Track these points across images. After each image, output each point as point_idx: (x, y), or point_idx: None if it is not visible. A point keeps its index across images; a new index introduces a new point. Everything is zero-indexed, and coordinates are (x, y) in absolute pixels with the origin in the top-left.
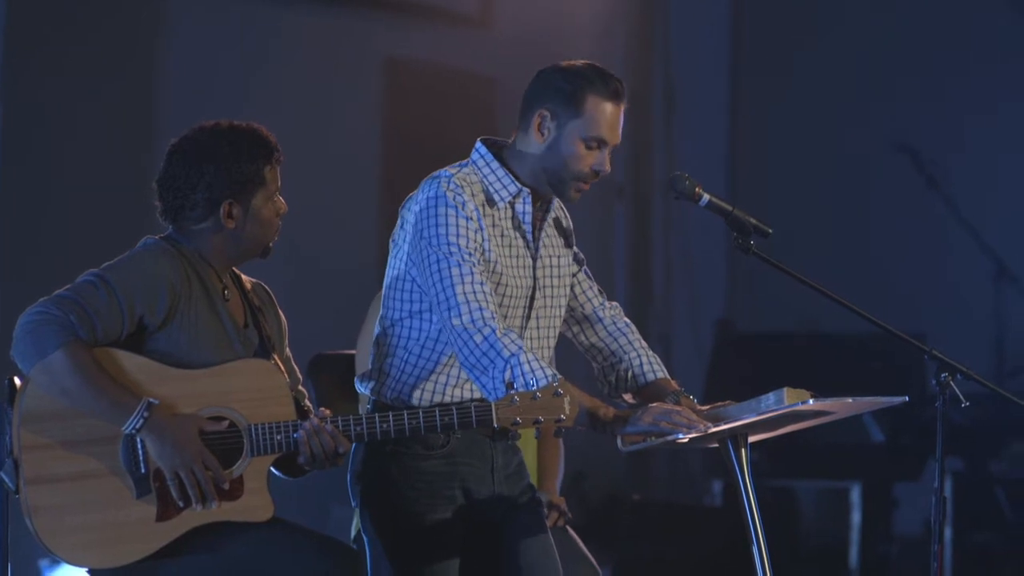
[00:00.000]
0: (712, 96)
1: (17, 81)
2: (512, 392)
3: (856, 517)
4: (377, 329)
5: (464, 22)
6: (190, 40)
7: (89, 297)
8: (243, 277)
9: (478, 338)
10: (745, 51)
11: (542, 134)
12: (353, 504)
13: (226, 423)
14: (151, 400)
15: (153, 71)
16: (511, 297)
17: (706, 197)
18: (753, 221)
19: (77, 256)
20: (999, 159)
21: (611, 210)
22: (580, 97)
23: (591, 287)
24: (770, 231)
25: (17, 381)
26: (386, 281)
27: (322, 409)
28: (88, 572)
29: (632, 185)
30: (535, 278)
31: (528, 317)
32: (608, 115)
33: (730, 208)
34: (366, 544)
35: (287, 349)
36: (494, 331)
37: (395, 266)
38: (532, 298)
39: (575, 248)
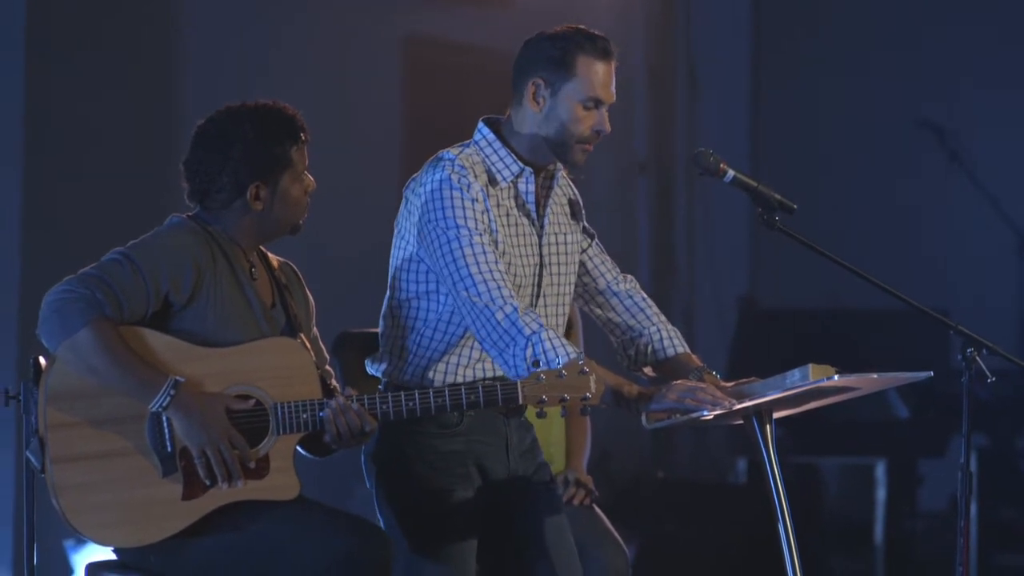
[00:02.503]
0: (734, 71)
1: (40, 65)
2: (537, 370)
3: (881, 493)
4: (385, 309)
5: (484, 0)
6: (209, 20)
7: (115, 275)
8: (270, 256)
9: (499, 315)
10: (766, 26)
11: (538, 103)
12: (368, 484)
13: (252, 401)
14: (178, 378)
15: (172, 53)
16: (519, 276)
17: (731, 173)
18: (778, 197)
19: (102, 236)
20: (1021, 132)
21: (634, 186)
22: (571, 60)
23: (604, 261)
24: (795, 207)
25: (43, 361)
26: (394, 263)
27: (348, 388)
28: (114, 551)
29: (655, 161)
30: (541, 255)
31: (537, 296)
32: (600, 74)
33: (755, 184)
34: (382, 524)
35: (314, 329)
36: (516, 309)
37: (402, 247)
38: (540, 275)
39: (584, 223)
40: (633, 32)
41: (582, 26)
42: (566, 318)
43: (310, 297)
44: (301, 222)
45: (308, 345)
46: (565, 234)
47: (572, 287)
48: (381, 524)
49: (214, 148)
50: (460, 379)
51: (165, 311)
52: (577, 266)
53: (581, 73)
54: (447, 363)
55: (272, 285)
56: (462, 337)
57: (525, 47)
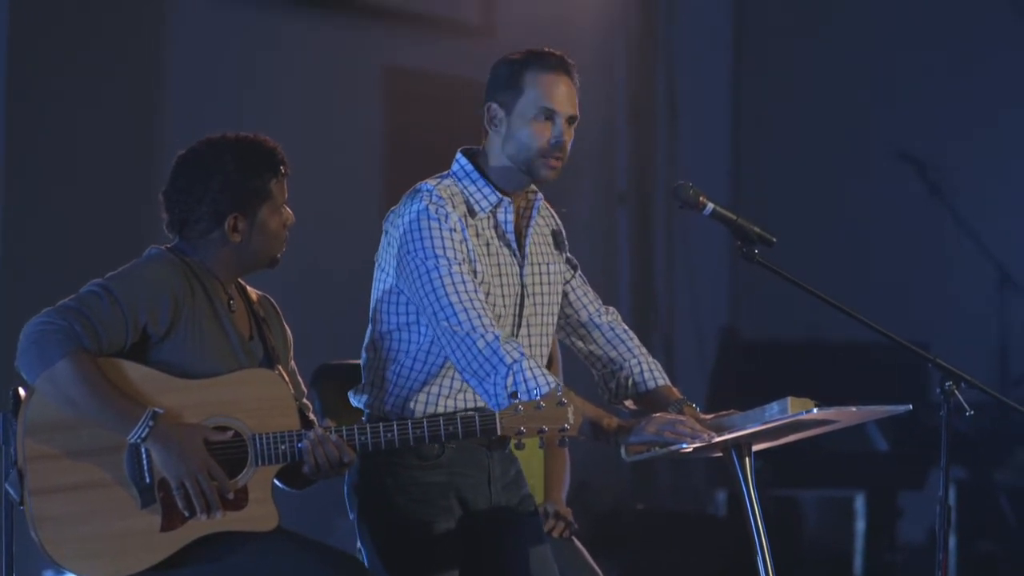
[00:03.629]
0: (714, 103)
1: (20, 90)
2: (516, 401)
3: (860, 526)
4: (367, 341)
5: (465, 30)
6: (191, 49)
7: (93, 307)
8: (249, 289)
9: (481, 343)
10: (747, 58)
11: (496, 127)
12: (351, 515)
13: (231, 433)
14: (156, 410)
15: (154, 81)
16: (500, 306)
17: (710, 206)
18: (757, 230)
19: (81, 266)
20: (1002, 166)
21: (614, 217)
22: (518, 78)
23: (586, 293)
24: (774, 240)
25: (22, 392)
26: (375, 295)
27: (326, 419)
28: None
29: (635, 192)
30: (523, 285)
31: (518, 325)
32: (548, 84)
33: (734, 217)
34: (363, 556)
35: (292, 362)
36: (497, 337)
37: (383, 279)
38: (521, 305)
39: (567, 253)
40: (614, 64)
41: (535, 48)
42: (549, 348)
43: (288, 330)
44: (279, 255)
45: (286, 377)
46: (548, 264)
47: (555, 317)
48: (363, 556)
49: (194, 178)
50: (441, 409)
51: (143, 343)
52: (560, 296)
53: (529, 88)
54: (428, 393)
55: (250, 317)
56: (443, 367)
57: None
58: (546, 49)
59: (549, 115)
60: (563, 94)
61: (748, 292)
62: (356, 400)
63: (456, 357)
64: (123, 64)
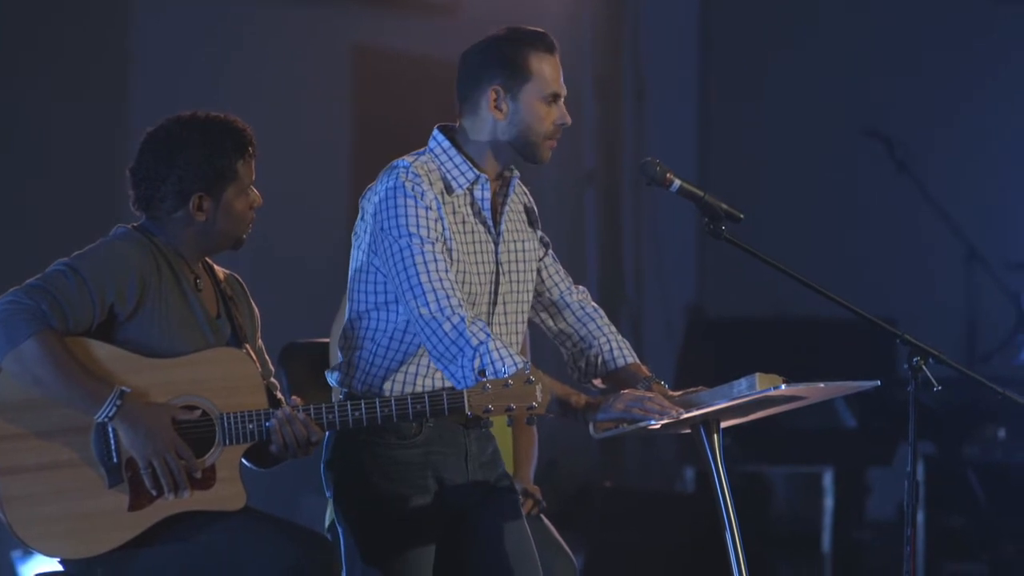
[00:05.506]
0: (681, 82)
1: None
2: (484, 379)
3: (829, 502)
4: (345, 320)
5: (433, 9)
6: (160, 29)
7: (60, 286)
8: (216, 268)
9: (447, 326)
10: (714, 36)
11: (500, 110)
12: (327, 493)
13: (198, 412)
14: (124, 389)
15: (124, 60)
16: (474, 284)
17: (677, 183)
18: (724, 207)
19: (48, 246)
20: (971, 144)
21: (582, 196)
22: (523, 62)
23: (558, 271)
24: (741, 216)
25: None
26: (350, 273)
27: (294, 398)
28: (60, 562)
29: (602, 171)
30: (498, 263)
31: (494, 303)
32: (553, 68)
33: (701, 194)
34: (340, 533)
35: (259, 341)
36: (463, 319)
37: (357, 257)
38: (497, 283)
39: (540, 232)
40: (581, 42)
41: (520, 26)
42: (526, 325)
43: (255, 309)
44: (244, 236)
45: (254, 356)
46: (523, 241)
47: (531, 295)
48: (340, 533)
49: (160, 156)
50: (419, 389)
51: (110, 321)
52: (535, 274)
53: (536, 72)
54: (405, 373)
55: (217, 296)
56: (419, 346)
57: (470, 58)
58: (536, 29)
59: (555, 98)
60: (560, 75)
61: (716, 269)
62: (333, 379)
63: (424, 338)
64: (93, 44)
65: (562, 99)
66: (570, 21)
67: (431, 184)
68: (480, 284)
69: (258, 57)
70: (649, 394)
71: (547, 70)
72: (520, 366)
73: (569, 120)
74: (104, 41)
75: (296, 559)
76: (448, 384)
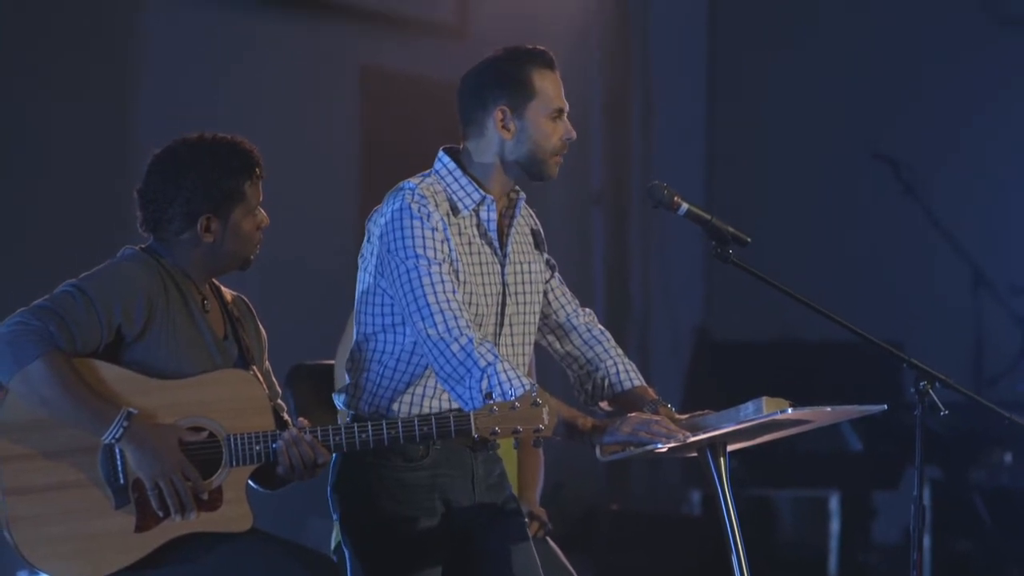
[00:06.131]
0: (690, 104)
1: None
2: (491, 402)
3: (835, 526)
4: (352, 343)
5: (440, 31)
6: (165, 49)
7: (68, 307)
8: (223, 289)
9: (455, 347)
10: (723, 59)
11: (508, 130)
12: (333, 516)
13: (205, 433)
14: (131, 410)
15: (128, 81)
16: (481, 305)
17: (685, 206)
18: (731, 230)
19: (55, 267)
20: (977, 166)
21: (589, 217)
22: (526, 79)
23: (564, 294)
24: (748, 240)
25: None
26: (357, 296)
27: (300, 419)
28: None
29: (610, 193)
30: (504, 284)
31: (501, 324)
32: (554, 84)
33: (708, 217)
34: (346, 556)
35: (266, 363)
36: (471, 340)
37: (364, 280)
38: (503, 304)
39: (546, 254)
40: (588, 62)
41: (517, 45)
42: (532, 347)
43: (263, 331)
44: (252, 257)
45: (261, 378)
46: (530, 263)
47: (537, 316)
48: (347, 555)
49: (168, 177)
50: (426, 410)
51: (118, 343)
52: (542, 296)
53: (539, 89)
54: (412, 394)
55: (224, 318)
56: (427, 368)
57: (472, 77)
58: (535, 47)
59: (560, 113)
60: (562, 90)
61: (723, 292)
62: (340, 401)
63: (431, 359)
64: (97, 64)
65: (566, 113)
66: (578, 42)
67: (437, 205)
68: (487, 305)
69: (265, 78)
70: (656, 417)
71: (550, 86)
72: (527, 388)
73: (575, 135)
74: (108, 60)
75: None
76: (455, 406)
